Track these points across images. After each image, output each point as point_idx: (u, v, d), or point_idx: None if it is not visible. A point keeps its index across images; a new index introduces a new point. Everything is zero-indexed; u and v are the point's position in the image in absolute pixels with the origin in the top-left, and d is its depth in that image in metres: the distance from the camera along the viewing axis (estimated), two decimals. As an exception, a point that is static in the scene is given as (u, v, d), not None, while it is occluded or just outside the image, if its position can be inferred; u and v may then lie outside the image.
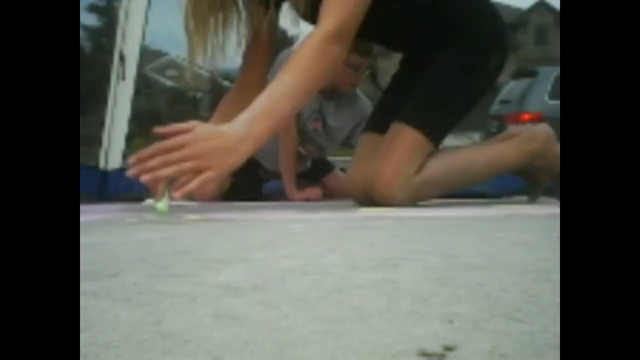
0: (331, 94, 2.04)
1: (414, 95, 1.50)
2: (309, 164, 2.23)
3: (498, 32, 1.57)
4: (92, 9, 3.33)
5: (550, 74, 6.64)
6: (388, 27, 1.52)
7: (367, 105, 2.15)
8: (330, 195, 2.16)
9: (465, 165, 1.60)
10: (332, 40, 1.20)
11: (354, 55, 1.83)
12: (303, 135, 2.11)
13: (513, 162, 1.64)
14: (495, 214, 1.22)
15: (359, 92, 2.18)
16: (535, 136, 1.66)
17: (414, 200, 1.51)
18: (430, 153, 1.48)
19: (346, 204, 1.75)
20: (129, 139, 2.91)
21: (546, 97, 6.42)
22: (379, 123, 1.59)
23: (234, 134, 1.05)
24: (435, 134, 1.49)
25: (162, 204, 1.02)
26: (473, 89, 1.54)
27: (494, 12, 1.57)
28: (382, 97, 1.72)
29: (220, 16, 1.34)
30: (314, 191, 2.07)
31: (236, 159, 1.05)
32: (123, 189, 2.72)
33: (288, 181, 2.04)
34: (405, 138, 1.46)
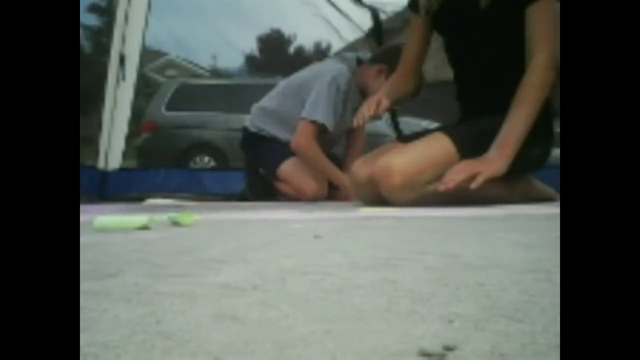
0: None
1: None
2: None
3: None
4: (92, 9, 3.33)
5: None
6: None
7: None
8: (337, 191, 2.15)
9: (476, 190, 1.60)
10: (552, 67, 1.48)
11: None
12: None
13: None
14: (495, 214, 1.22)
15: None
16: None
17: (418, 205, 1.50)
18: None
19: (347, 204, 1.75)
20: (129, 139, 2.91)
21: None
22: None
23: (498, 162, 1.47)
24: (466, 148, 1.50)
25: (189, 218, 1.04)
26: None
27: None
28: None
29: None
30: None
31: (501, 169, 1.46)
32: (123, 189, 2.73)
33: (345, 180, 2.00)
34: (435, 140, 1.52)
